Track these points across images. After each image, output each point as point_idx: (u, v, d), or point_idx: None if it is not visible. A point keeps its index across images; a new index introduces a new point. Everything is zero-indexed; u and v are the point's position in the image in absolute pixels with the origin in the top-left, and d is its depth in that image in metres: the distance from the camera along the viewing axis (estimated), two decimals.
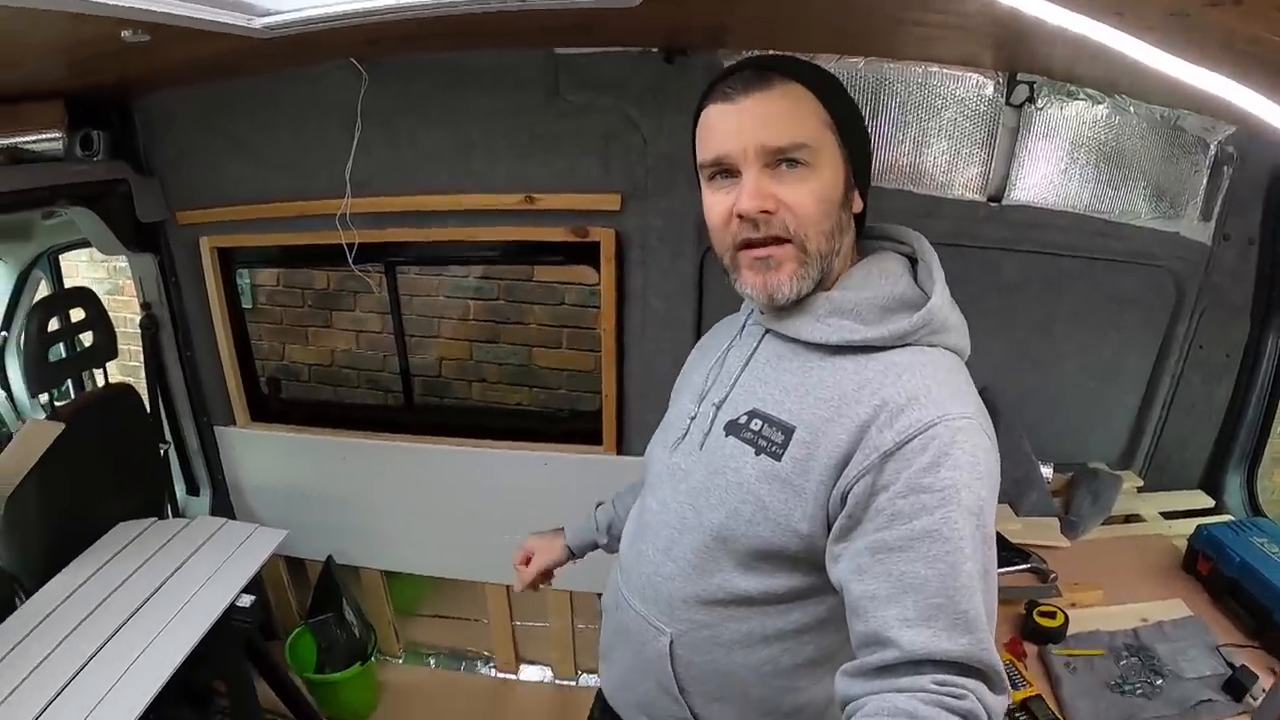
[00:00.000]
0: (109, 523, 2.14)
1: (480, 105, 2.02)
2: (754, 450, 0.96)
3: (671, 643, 1.04)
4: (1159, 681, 1.48)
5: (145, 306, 2.37)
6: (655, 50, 1.91)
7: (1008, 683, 0.81)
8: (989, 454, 0.86)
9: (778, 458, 0.93)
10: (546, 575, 1.53)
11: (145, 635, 1.76)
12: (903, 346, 0.92)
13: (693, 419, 1.08)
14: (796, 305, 0.97)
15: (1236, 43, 1.00)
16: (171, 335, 2.39)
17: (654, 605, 1.07)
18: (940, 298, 0.94)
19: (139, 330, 2.42)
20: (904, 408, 0.85)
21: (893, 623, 0.79)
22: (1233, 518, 2.04)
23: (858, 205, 0.99)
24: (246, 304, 2.96)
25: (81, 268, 3.61)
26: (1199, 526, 1.83)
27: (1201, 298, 2.07)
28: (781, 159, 0.91)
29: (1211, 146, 1.92)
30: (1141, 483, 2.23)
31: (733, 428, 1.00)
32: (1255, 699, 1.41)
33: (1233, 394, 2.15)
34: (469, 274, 3.21)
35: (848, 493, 0.86)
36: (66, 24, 1.20)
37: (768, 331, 1.03)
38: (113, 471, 2.20)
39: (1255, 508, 2.15)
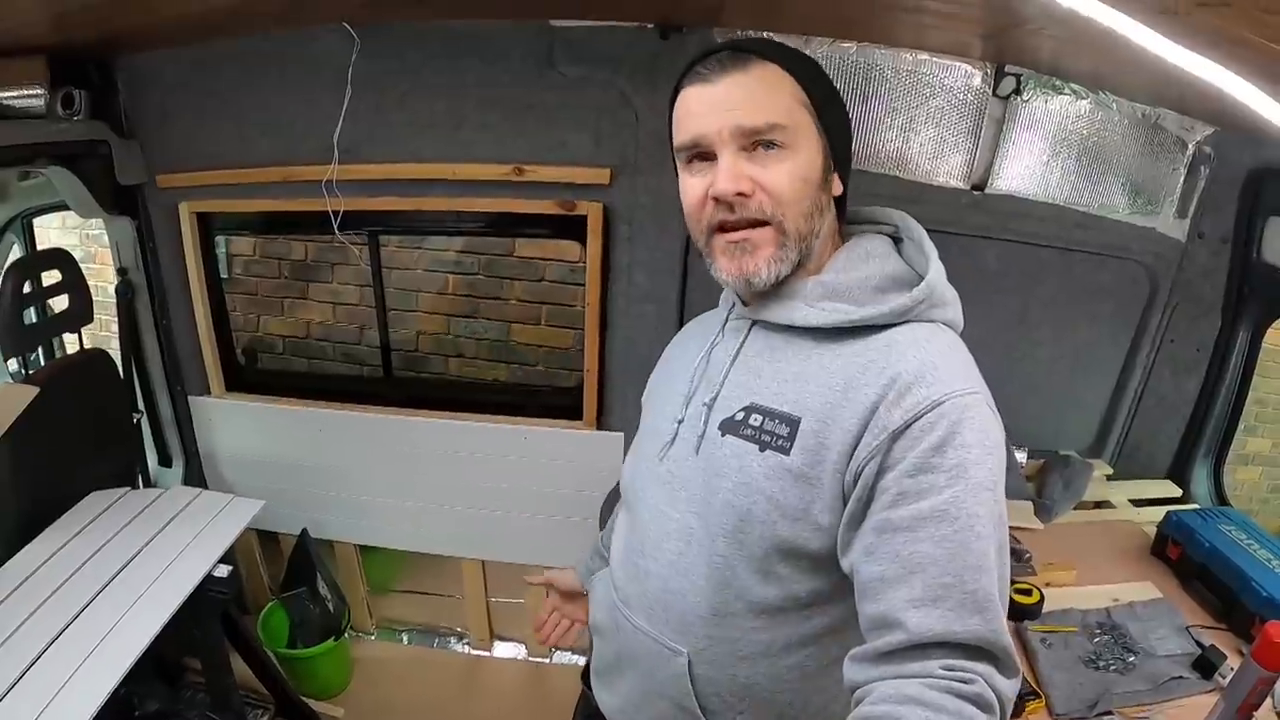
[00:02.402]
0: (81, 492, 2.08)
1: (473, 74, 2.00)
2: (758, 447, 0.92)
3: (690, 662, 0.99)
4: (1131, 658, 1.52)
5: (121, 272, 2.31)
6: (651, 26, 1.90)
7: (1019, 663, 0.80)
8: (996, 428, 0.85)
9: (785, 451, 0.89)
10: (569, 607, 1.42)
11: (119, 607, 1.70)
12: (901, 324, 0.90)
13: (680, 422, 1.03)
14: (783, 291, 0.95)
15: (1223, 43, 1.03)
16: (147, 302, 2.33)
17: (665, 625, 1.01)
18: (936, 272, 0.93)
19: (112, 298, 2.35)
20: (911, 385, 0.83)
21: (901, 604, 0.78)
22: (1200, 506, 2.10)
23: (837, 188, 0.97)
24: (222, 274, 2.90)
25: (53, 235, 3.51)
26: (1169, 513, 1.89)
27: (1174, 293, 2.12)
28: (758, 141, 0.89)
29: (1190, 146, 1.97)
30: (1111, 471, 2.29)
31: (729, 425, 0.95)
32: (1224, 677, 1.45)
33: (1202, 388, 2.20)
34: (448, 248, 3.17)
35: (859, 475, 0.84)
36: None
37: (754, 323, 1.00)
38: (86, 439, 2.14)
39: (1221, 498, 2.21)
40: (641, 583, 1.05)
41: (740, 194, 0.89)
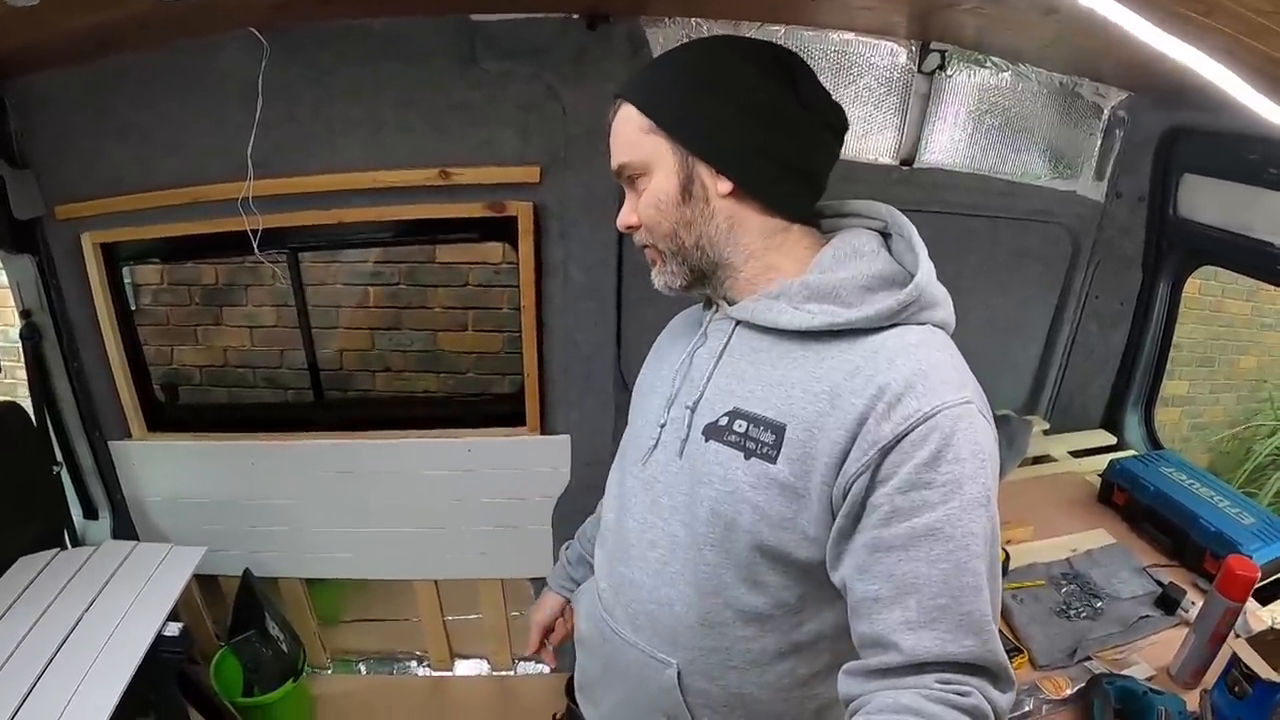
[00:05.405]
0: (7, 559, 1.92)
1: (391, 76, 1.90)
2: (743, 454, 0.88)
3: (679, 673, 0.98)
4: (1099, 604, 1.59)
5: (25, 314, 2.11)
6: (576, 16, 1.84)
7: (1014, 677, 0.80)
8: (989, 437, 0.82)
9: (771, 460, 0.86)
10: (558, 633, 1.37)
11: (69, 683, 1.57)
12: (890, 327, 0.86)
13: (663, 426, 1.00)
14: (768, 292, 0.93)
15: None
16: (55, 344, 2.13)
17: (653, 635, 1.00)
18: (926, 271, 0.89)
19: (13, 343, 2.17)
20: (901, 396, 0.79)
21: (895, 626, 0.77)
22: (1137, 452, 2.21)
23: (723, 186, 0.91)
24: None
25: None
26: (1112, 461, 1.98)
27: (1096, 251, 2.22)
28: (628, 177, 0.96)
29: (1105, 111, 2.06)
30: (1047, 425, 2.38)
31: (713, 431, 0.92)
32: (1186, 611, 1.54)
33: (1128, 339, 2.31)
34: (366, 258, 3.04)
35: (847, 490, 0.82)
36: None
37: (738, 324, 0.96)
38: (6, 501, 1.97)
39: (1154, 441, 2.33)
40: (626, 593, 1.03)
41: (630, 227, 0.97)
